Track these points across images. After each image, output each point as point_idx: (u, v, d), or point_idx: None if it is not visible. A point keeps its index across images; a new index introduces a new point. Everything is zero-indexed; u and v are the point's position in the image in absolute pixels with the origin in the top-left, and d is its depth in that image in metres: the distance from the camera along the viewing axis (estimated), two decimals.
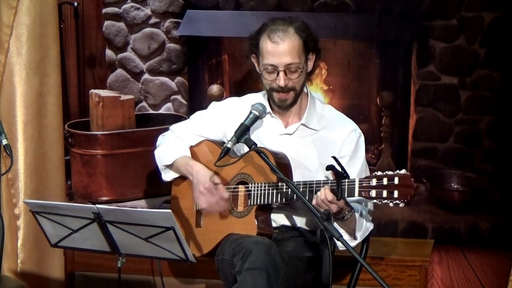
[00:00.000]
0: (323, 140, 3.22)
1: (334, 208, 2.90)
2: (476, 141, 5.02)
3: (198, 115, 3.43)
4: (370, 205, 3.18)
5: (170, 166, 3.36)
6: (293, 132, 3.24)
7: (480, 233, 4.87)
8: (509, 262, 3.30)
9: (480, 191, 4.99)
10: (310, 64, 3.20)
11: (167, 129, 3.49)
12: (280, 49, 3.11)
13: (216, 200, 3.16)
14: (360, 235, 3.14)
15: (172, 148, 3.36)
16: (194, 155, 3.36)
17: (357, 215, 3.09)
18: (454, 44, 4.98)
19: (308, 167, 3.18)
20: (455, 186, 5.06)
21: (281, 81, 3.12)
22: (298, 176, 3.12)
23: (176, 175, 3.38)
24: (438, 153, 5.09)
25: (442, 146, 5.07)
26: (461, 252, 4.66)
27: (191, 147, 3.38)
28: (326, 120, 3.26)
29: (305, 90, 3.27)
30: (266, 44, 3.13)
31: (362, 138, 3.24)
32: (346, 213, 2.99)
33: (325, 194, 2.90)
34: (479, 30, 4.94)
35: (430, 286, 4.05)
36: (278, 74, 3.12)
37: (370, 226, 3.19)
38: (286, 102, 3.18)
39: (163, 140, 3.43)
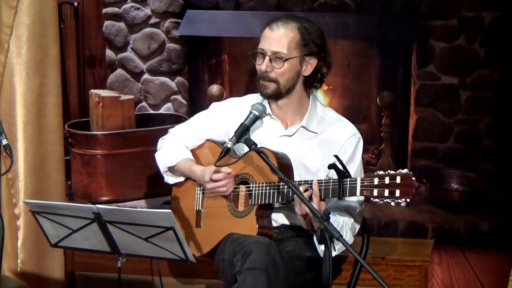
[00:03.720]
0: (323, 143, 3.21)
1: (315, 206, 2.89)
2: (476, 141, 5.02)
3: (198, 117, 3.42)
4: (356, 223, 3.17)
5: (172, 169, 3.36)
6: (293, 134, 3.24)
7: (480, 233, 4.87)
8: (509, 262, 3.30)
9: (480, 191, 4.99)
10: (307, 69, 3.19)
11: (167, 129, 3.49)
12: (272, 35, 3.13)
13: (222, 183, 3.16)
14: (338, 248, 3.08)
15: (173, 150, 3.35)
16: (196, 157, 3.36)
17: (337, 226, 3.05)
18: (454, 44, 4.99)
19: (307, 169, 3.18)
20: (455, 186, 5.06)
21: (263, 66, 3.14)
22: (296, 177, 3.11)
23: (179, 179, 3.38)
24: (438, 153, 5.09)
25: (442, 146, 5.07)
26: (461, 252, 4.66)
27: (193, 150, 3.38)
28: (326, 123, 3.26)
29: (305, 92, 3.26)
30: (265, 31, 3.17)
31: (361, 142, 3.24)
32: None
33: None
34: (479, 30, 4.94)
35: (430, 286, 4.05)
36: (264, 59, 3.14)
37: (350, 240, 3.17)
38: (267, 90, 3.18)
39: (163, 144, 3.42)
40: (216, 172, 3.15)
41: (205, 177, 3.18)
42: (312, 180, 2.99)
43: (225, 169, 3.13)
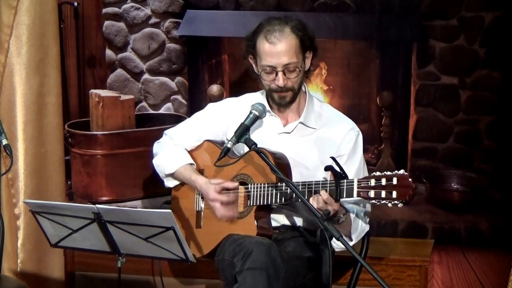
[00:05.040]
0: (321, 139, 3.21)
1: (329, 210, 2.90)
2: (476, 141, 5.02)
3: (194, 118, 3.41)
4: (367, 206, 3.18)
5: (171, 175, 3.35)
6: (292, 131, 3.24)
7: (480, 233, 4.87)
8: (509, 262, 3.30)
9: (480, 191, 4.99)
10: (308, 63, 3.20)
11: (167, 129, 3.48)
12: (277, 49, 3.10)
13: (227, 207, 3.17)
14: (356, 237, 3.14)
15: (171, 156, 3.33)
16: (194, 158, 3.35)
17: (352, 216, 3.08)
18: (454, 44, 4.99)
19: (306, 166, 3.18)
20: (455, 186, 5.07)
21: (280, 81, 3.12)
22: (296, 175, 3.11)
23: (179, 182, 3.38)
24: (438, 153, 5.09)
25: (442, 146, 5.08)
26: (461, 252, 4.66)
27: (191, 151, 3.37)
28: (325, 118, 3.26)
29: (303, 88, 3.27)
30: (263, 45, 3.13)
31: (360, 136, 3.24)
32: (341, 216, 2.98)
33: (322, 194, 2.91)
34: (479, 30, 4.94)
35: (430, 286, 4.05)
36: (276, 74, 3.12)
37: (366, 227, 3.19)
38: (285, 99, 3.18)
39: (160, 148, 3.40)
40: (219, 190, 3.15)
41: (209, 194, 3.17)
42: (312, 182, 2.99)
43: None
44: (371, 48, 5.25)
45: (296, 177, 3.09)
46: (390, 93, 5.18)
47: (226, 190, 3.15)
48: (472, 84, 5.00)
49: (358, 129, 3.24)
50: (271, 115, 3.25)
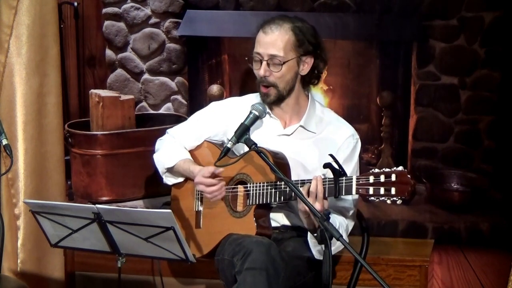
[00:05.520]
0: (321, 143, 3.22)
1: (319, 205, 2.89)
2: (476, 141, 5.01)
3: (196, 116, 3.42)
4: (350, 224, 3.17)
5: (171, 170, 3.35)
6: (292, 133, 3.25)
7: (480, 233, 4.87)
8: (509, 262, 3.30)
9: (480, 191, 4.99)
10: (305, 68, 3.19)
11: (167, 129, 3.48)
12: (267, 39, 3.12)
13: (209, 189, 3.16)
14: (334, 249, 3.09)
15: (172, 151, 3.35)
16: (195, 158, 3.36)
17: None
18: (454, 44, 4.98)
19: (305, 168, 3.18)
20: (455, 186, 5.06)
21: (261, 71, 3.14)
22: (294, 177, 3.12)
23: (178, 179, 3.37)
24: (438, 153, 5.08)
25: (442, 146, 5.07)
26: (461, 252, 4.66)
27: (191, 151, 3.38)
28: (325, 123, 3.26)
29: (304, 92, 3.27)
30: (259, 34, 3.16)
31: (359, 144, 3.24)
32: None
33: (317, 186, 2.91)
34: (479, 30, 4.93)
35: (430, 286, 4.05)
36: (261, 63, 3.13)
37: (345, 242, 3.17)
38: (269, 98, 3.18)
39: (161, 144, 3.42)
40: (207, 175, 3.13)
41: (196, 176, 3.18)
42: (310, 179, 2.99)
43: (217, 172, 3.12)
44: (371, 48, 5.25)
45: (294, 179, 3.09)
46: (390, 93, 5.17)
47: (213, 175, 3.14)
48: (472, 84, 4.99)
49: (357, 136, 3.25)
50: (271, 117, 3.25)
